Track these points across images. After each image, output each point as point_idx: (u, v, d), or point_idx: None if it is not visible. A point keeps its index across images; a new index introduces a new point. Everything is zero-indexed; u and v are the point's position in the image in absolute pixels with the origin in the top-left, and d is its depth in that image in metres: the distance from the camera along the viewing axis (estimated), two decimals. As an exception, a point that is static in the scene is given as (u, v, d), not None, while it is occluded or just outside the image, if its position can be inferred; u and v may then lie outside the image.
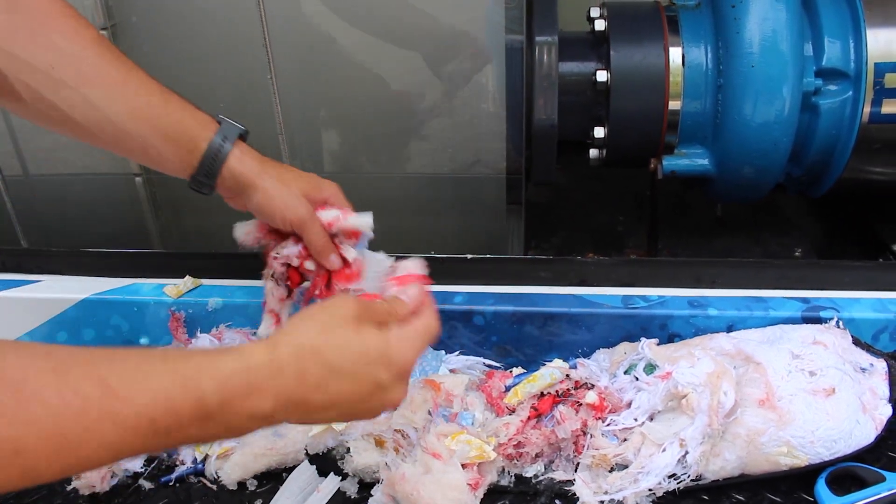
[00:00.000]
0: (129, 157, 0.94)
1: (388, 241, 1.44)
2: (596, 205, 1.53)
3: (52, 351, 0.59)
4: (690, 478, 0.87)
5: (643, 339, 0.98)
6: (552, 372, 0.96)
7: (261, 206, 0.90)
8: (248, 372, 0.63)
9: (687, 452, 0.86)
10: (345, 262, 0.93)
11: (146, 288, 1.12)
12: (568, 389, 0.95)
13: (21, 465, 0.54)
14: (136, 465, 0.97)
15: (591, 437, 0.91)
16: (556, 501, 0.90)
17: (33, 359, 0.57)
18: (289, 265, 0.94)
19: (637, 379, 0.93)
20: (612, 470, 0.88)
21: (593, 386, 0.94)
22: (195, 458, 0.97)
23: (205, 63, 1.31)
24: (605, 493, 0.87)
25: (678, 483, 0.87)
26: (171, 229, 1.47)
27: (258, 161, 0.90)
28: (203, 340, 1.07)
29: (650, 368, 0.93)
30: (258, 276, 1.10)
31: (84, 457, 0.57)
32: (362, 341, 0.70)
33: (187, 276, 1.12)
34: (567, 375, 0.96)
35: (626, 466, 0.88)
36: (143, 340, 1.12)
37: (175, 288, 1.11)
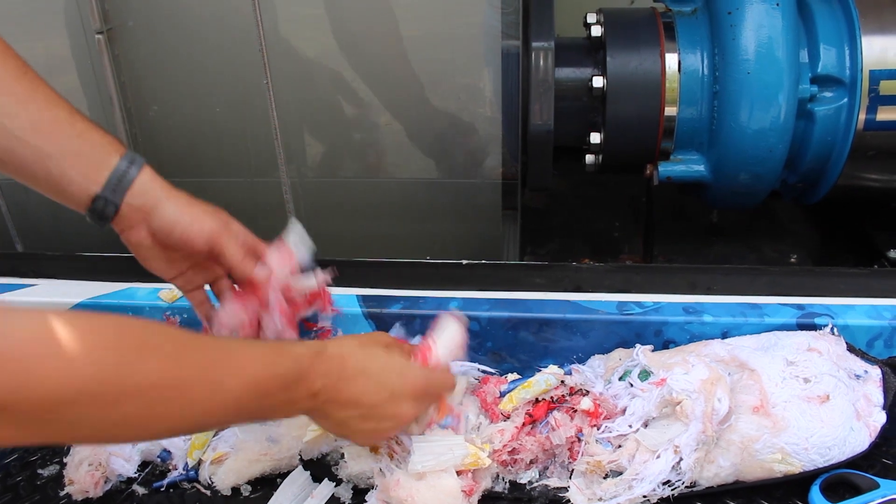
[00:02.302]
0: (28, 184, 0.85)
1: (384, 245, 1.44)
2: (592, 211, 1.53)
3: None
4: (685, 484, 0.87)
5: (638, 346, 0.98)
6: (547, 378, 0.95)
7: (170, 223, 0.86)
8: (312, 357, 0.77)
9: (681, 459, 0.86)
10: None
11: (141, 292, 1.12)
12: (563, 396, 0.95)
13: (179, 401, 0.66)
14: (129, 470, 0.97)
15: (586, 443, 0.90)
16: (551, 508, 0.89)
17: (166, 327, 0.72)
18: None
19: (632, 385, 0.93)
20: (606, 476, 0.88)
21: (588, 392, 0.94)
22: (186, 464, 0.97)
23: (201, 67, 1.31)
24: (600, 499, 0.86)
25: (672, 490, 0.87)
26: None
27: (166, 187, 0.87)
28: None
29: (645, 375, 0.93)
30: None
31: (209, 409, 0.69)
32: (390, 356, 0.85)
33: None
34: (562, 382, 0.96)
35: (620, 473, 0.87)
36: (138, 345, 1.12)
37: (170, 293, 1.11)
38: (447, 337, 0.91)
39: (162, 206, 0.86)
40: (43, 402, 0.57)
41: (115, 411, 0.62)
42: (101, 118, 1.34)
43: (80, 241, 1.43)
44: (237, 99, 1.31)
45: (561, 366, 1.02)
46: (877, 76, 1.22)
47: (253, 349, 0.76)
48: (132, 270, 1.16)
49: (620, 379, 0.95)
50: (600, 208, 1.53)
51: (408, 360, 0.87)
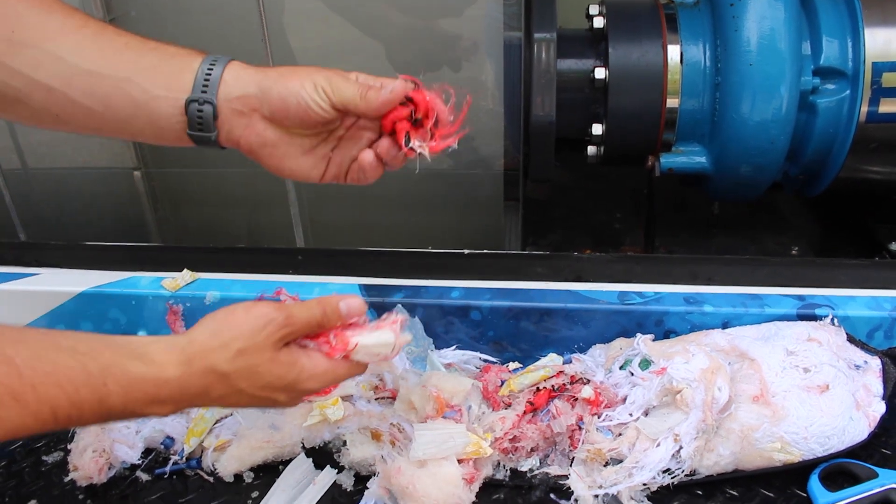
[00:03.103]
0: (118, 132, 0.77)
1: (387, 235, 1.45)
2: (593, 202, 1.54)
3: None
4: (684, 472, 0.87)
5: (638, 335, 0.99)
6: (545, 365, 0.96)
7: (281, 97, 0.76)
8: (156, 385, 0.67)
9: (681, 447, 0.87)
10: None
11: (144, 281, 1.13)
12: (563, 384, 0.95)
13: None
14: (133, 456, 0.97)
15: (586, 431, 0.91)
16: (551, 495, 0.90)
17: None
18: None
19: (632, 374, 0.94)
20: (606, 464, 0.88)
21: (589, 381, 0.95)
22: (183, 450, 0.97)
23: (202, 40, 1.31)
24: (600, 487, 0.87)
25: (672, 478, 0.87)
26: (170, 223, 1.47)
27: (260, 68, 0.78)
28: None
29: (645, 364, 0.94)
30: (255, 270, 1.11)
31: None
32: (271, 372, 0.73)
33: (185, 270, 1.13)
34: (561, 371, 0.96)
35: (620, 461, 0.88)
36: (141, 333, 1.12)
37: (173, 281, 1.11)
38: (376, 341, 0.79)
39: (265, 85, 0.76)
40: None
41: None
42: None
43: (83, 231, 1.44)
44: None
45: (561, 355, 1.03)
46: (879, 68, 1.21)
47: (60, 370, 0.63)
48: (135, 259, 1.17)
49: (621, 368, 0.96)
50: (602, 200, 1.53)
51: (301, 356, 0.75)
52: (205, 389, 0.70)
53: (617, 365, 0.97)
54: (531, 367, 0.97)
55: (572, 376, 0.96)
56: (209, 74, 0.75)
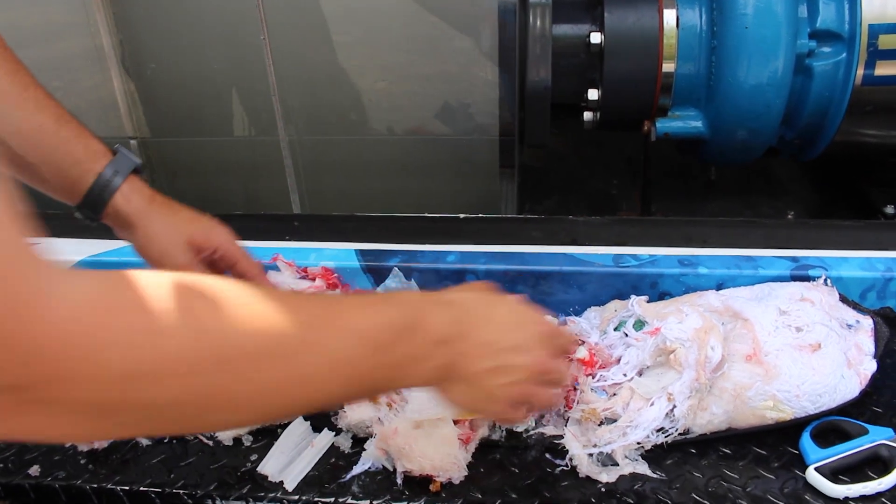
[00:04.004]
0: (21, 179, 0.84)
1: (383, 202, 1.45)
2: (590, 169, 1.54)
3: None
4: (678, 431, 0.88)
5: (633, 297, 0.99)
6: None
7: (141, 248, 0.90)
8: (426, 302, 0.71)
9: (675, 406, 0.87)
10: None
11: (142, 249, 1.13)
12: None
13: (277, 372, 0.56)
14: (133, 421, 0.98)
15: (581, 392, 0.92)
16: (547, 455, 0.91)
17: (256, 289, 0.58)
18: None
19: (626, 335, 0.94)
20: (601, 424, 0.89)
21: (584, 342, 0.96)
22: None
23: (199, 24, 1.31)
24: (595, 446, 0.88)
25: (666, 436, 0.88)
26: (167, 192, 1.47)
27: (147, 200, 0.88)
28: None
29: (639, 325, 0.94)
30: (252, 237, 1.11)
31: (315, 378, 0.59)
32: (508, 302, 0.77)
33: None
34: None
35: (614, 420, 0.89)
36: (140, 301, 1.13)
37: (170, 249, 1.11)
38: None
39: (134, 230, 0.88)
40: (111, 379, 0.46)
41: (200, 390, 0.52)
42: (98, 77, 1.34)
43: (80, 201, 1.44)
44: (235, 56, 1.31)
45: (557, 318, 1.04)
46: (876, 30, 1.21)
47: (357, 301, 0.69)
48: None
49: (616, 329, 0.96)
50: (599, 166, 1.53)
51: (524, 305, 0.78)
52: (466, 309, 0.72)
53: (611, 326, 0.97)
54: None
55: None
56: (101, 192, 0.86)
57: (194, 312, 0.51)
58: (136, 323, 0.48)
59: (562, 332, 0.85)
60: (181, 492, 0.89)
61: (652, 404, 0.88)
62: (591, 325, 1.00)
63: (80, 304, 0.46)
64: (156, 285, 0.50)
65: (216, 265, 0.94)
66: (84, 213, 0.88)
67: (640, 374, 0.92)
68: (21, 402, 0.44)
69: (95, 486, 0.91)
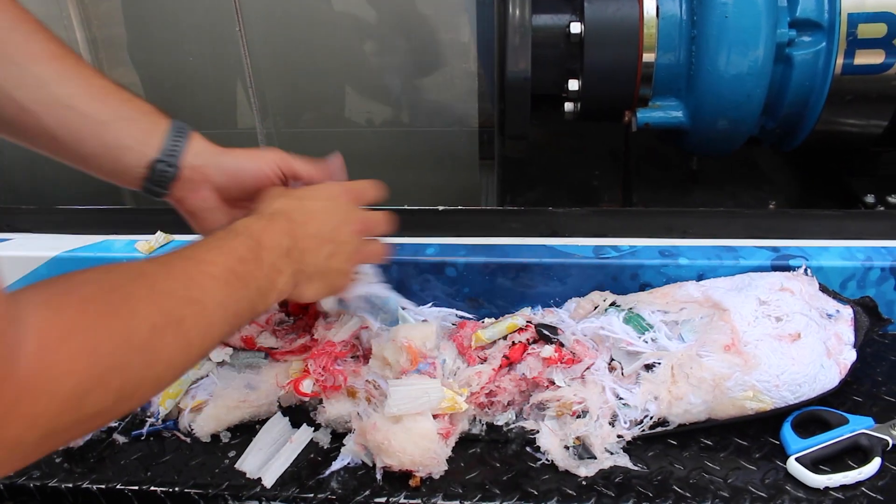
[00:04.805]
0: (73, 161, 0.82)
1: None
2: (571, 160, 1.53)
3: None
4: (653, 419, 0.88)
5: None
6: (514, 317, 0.96)
7: (235, 168, 0.87)
8: (259, 220, 0.79)
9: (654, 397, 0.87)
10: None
11: (118, 244, 1.12)
12: (528, 340, 0.95)
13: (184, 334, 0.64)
14: (109, 419, 0.97)
15: (551, 387, 0.91)
16: (527, 449, 0.90)
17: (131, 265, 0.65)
18: None
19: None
20: (578, 417, 0.89)
21: (553, 340, 0.94)
22: (158, 412, 0.97)
23: (172, 16, 1.29)
24: (573, 438, 0.88)
25: (640, 428, 0.88)
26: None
27: (213, 146, 0.88)
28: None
29: (635, 320, 0.94)
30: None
31: (210, 317, 0.67)
32: (326, 199, 0.86)
33: (159, 232, 1.12)
34: (528, 322, 0.96)
35: (587, 412, 0.88)
36: (116, 297, 1.11)
37: (147, 244, 1.10)
38: None
39: (222, 159, 0.87)
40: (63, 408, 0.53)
41: (123, 385, 0.58)
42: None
43: (55, 196, 1.42)
44: (210, 48, 1.29)
45: (532, 309, 1.03)
46: (855, 19, 1.21)
47: (205, 245, 0.72)
48: (108, 223, 1.16)
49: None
50: (580, 157, 1.53)
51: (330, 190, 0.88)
52: (288, 214, 0.81)
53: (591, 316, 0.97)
54: (499, 319, 0.97)
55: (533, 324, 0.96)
56: (177, 141, 0.83)
57: (104, 324, 0.57)
58: (77, 349, 0.54)
59: (371, 216, 0.90)
60: (158, 490, 0.88)
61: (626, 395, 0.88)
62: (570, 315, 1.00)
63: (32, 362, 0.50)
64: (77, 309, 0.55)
65: None
66: (156, 176, 0.84)
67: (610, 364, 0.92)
68: None
69: (71, 485, 0.90)
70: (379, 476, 0.87)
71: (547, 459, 0.87)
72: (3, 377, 0.48)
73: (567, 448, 0.87)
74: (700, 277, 1.02)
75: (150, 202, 1.46)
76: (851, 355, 0.91)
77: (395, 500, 0.84)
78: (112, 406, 0.58)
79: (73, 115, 0.78)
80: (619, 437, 0.88)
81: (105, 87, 0.81)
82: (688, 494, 0.82)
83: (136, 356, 0.59)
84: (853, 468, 0.83)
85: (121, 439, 0.96)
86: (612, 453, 0.87)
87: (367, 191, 0.91)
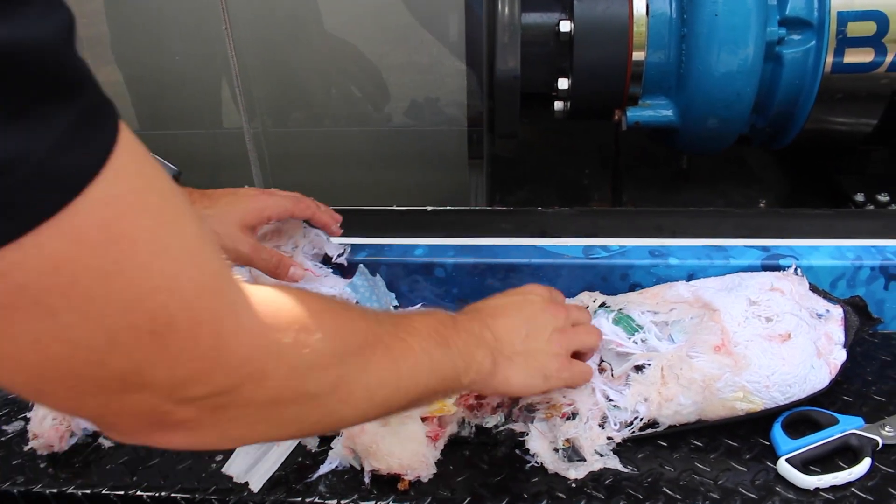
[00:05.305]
0: None
1: (349, 195, 1.43)
2: (561, 159, 1.53)
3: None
4: (643, 420, 0.87)
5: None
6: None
7: None
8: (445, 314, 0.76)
9: (643, 399, 0.87)
10: None
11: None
12: None
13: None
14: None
15: None
16: (517, 451, 0.90)
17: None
18: None
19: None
20: (568, 419, 0.88)
21: None
22: None
23: (159, 14, 1.28)
24: (563, 441, 0.87)
25: (630, 429, 0.87)
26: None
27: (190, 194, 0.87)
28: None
29: (626, 321, 0.93)
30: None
31: (416, 358, 0.67)
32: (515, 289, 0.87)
33: None
34: None
35: (577, 414, 0.88)
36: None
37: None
38: None
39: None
40: (286, 376, 0.54)
41: (337, 381, 0.59)
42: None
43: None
44: (197, 48, 1.28)
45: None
46: (844, 17, 1.21)
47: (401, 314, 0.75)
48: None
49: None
50: (570, 156, 1.52)
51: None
52: (479, 309, 0.81)
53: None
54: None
55: None
56: None
57: (328, 317, 0.59)
58: (298, 331, 0.55)
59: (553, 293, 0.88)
60: (144, 494, 0.87)
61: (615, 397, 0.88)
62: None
63: (261, 319, 0.53)
64: (297, 300, 0.57)
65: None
66: None
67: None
68: (219, 407, 0.51)
69: (55, 490, 0.88)
70: (367, 480, 0.86)
71: (536, 462, 0.87)
72: (233, 331, 0.49)
73: (557, 450, 0.86)
74: (690, 277, 1.01)
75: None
76: (841, 355, 0.90)
77: (383, 503, 0.84)
78: (329, 393, 0.58)
79: None
80: (608, 439, 0.87)
81: None
82: (678, 496, 0.82)
83: (351, 357, 0.60)
84: (843, 469, 0.83)
85: (106, 444, 0.95)
86: (601, 455, 0.86)
87: (560, 295, 0.89)
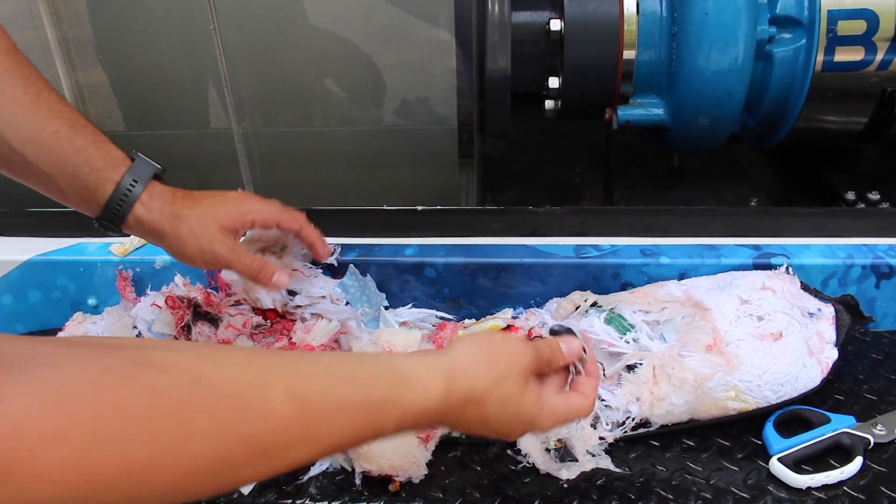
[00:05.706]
0: (35, 188, 0.82)
1: (339, 195, 1.42)
2: (552, 158, 1.52)
3: (251, 358, 0.58)
4: (635, 420, 0.87)
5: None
6: (495, 318, 0.95)
7: (175, 254, 0.86)
8: (422, 413, 0.63)
9: (636, 399, 0.87)
10: None
11: (92, 247, 1.09)
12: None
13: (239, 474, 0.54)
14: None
15: None
16: (508, 451, 0.89)
17: (239, 367, 0.56)
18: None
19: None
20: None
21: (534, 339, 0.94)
22: None
23: (146, 14, 1.27)
24: (555, 441, 0.87)
25: (621, 429, 0.87)
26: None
27: (169, 202, 0.84)
28: (151, 300, 1.05)
29: (617, 320, 0.93)
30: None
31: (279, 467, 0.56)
32: (521, 405, 0.68)
33: (133, 235, 1.10)
34: (508, 325, 0.95)
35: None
36: (91, 301, 1.10)
37: (121, 247, 1.08)
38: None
39: (163, 237, 0.84)
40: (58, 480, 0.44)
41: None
42: (44, 71, 1.30)
43: (28, 197, 1.40)
44: (185, 47, 1.27)
45: (516, 310, 1.02)
46: (835, 16, 1.20)
47: (344, 398, 0.60)
48: (82, 226, 1.13)
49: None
50: (561, 155, 1.52)
51: (543, 389, 0.71)
52: (460, 417, 0.66)
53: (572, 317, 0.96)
54: (480, 320, 0.96)
55: (530, 330, 0.96)
56: (121, 202, 0.81)
57: (152, 413, 0.48)
58: (87, 425, 0.45)
59: (562, 421, 0.73)
60: (132, 498, 0.86)
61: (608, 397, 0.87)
62: (553, 316, 0.99)
63: (27, 407, 0.44)
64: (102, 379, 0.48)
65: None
66: (104, 225, 0.83)
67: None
68: None
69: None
70: (358, 481, 0.85)
71: (528, 462, 0.86)
72: None
73: (548, 451, 0.86)
74: (682, 276, 1.01)
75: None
76: (833, 353, 0.90)
77: (374, 505, 0.83)
78: None
79: (21, 161, 0.78)
80: (601, 439, 0.87)
81: (58, 134, 0.79)
82: (670, 496, 0.82)
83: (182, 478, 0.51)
84: (835, 467, 0.82)
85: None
86: (593, 455, 0.86)
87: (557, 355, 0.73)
